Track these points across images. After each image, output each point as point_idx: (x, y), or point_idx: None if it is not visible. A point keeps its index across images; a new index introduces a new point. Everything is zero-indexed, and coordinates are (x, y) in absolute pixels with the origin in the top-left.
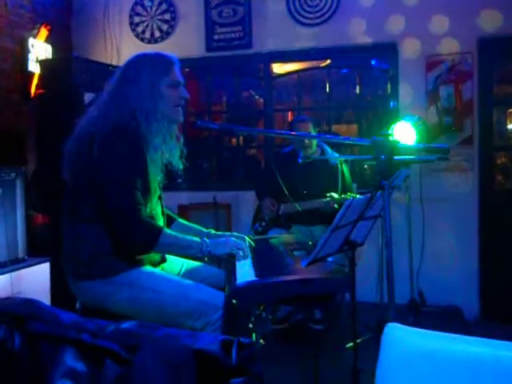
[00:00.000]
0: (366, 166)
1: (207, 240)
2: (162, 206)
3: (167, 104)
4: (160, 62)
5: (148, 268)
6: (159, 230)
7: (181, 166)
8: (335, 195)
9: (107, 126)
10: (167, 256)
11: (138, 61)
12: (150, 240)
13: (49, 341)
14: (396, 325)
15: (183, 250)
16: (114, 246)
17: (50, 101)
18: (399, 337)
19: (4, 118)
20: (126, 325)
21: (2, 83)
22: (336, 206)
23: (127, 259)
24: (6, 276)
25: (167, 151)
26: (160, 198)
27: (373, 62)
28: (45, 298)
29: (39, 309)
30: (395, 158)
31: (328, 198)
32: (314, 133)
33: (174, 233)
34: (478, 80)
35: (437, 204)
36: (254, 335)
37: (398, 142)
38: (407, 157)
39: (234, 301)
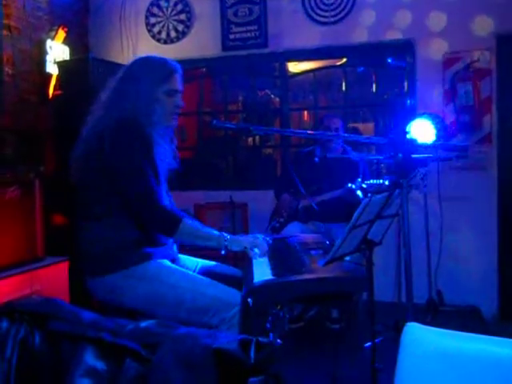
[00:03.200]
0: (382, 165)
1: (226, 234)
2: (170, 201)
3: (162, 110)
4: (162, 69)
5: (165, 262)
6: (180, 217)
7: (174, 166)
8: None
9: (113, 122)
10: (182, 255)
11: (142, 63)
12: (170, 226)
13: (69, 339)
14: (416, 324)
15: (202, 241)
16: (136, 235)
17: (67, 102)
18: (419, 336)
19: (23, 119)
20: (145, 324)
21: (21, 85)
22: (359, 192)
23: (146, 250)
24: (25, 275)
25: (162, 153)
26: (167, 193)
27: (389, 60)
28: (63, 297)
29: (59, 308)
30: (413, 156)
31: (350, 184)
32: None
33: (194, 222)
34: (497, 77)
35: (455, 202)
36: (270, 334)
37: (416, 141)
38: (425, 155)
39: (250, 299)
